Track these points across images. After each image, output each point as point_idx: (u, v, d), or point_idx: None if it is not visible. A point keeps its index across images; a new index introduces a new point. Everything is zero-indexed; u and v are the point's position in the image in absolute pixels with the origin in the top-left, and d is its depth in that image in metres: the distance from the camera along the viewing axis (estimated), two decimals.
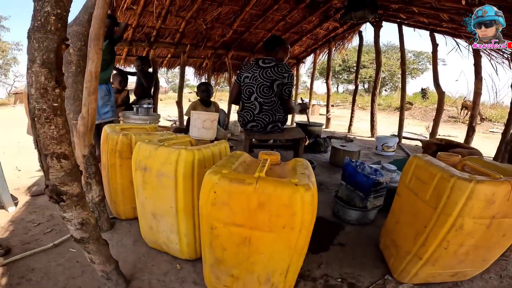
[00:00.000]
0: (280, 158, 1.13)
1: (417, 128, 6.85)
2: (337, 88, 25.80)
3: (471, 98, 4.77)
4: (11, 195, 1.72)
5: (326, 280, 1.17)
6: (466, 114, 7.88)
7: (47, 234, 1.43)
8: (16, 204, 1.73)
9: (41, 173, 2.37)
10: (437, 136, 4.77)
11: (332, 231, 1.58)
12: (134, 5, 3.30)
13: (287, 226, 0.77)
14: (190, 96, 13.73)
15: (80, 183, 0.86)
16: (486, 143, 5.00)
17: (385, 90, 22.14)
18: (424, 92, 12.15)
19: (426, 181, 1.03)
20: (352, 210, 1.64)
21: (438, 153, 1.25)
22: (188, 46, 4.33)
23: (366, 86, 22.02)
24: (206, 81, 5.41)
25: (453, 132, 6.51)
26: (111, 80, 2.90)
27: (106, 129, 1.53)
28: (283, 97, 2.19)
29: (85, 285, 1.08)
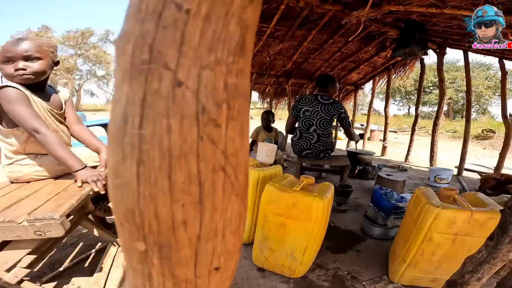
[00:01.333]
0: (314, 181, 1.69)
1: (494, 160, 6.10)
2: (409, 110, 23.76)
3: None
4: None
5: (335, 271, 1.61)
6: None
7: None
8: None
9: None
10: (506, 171, 4.41)
11: (354, 241, 2.01)
12: None
13: (306, 219, 1.35)
14: (252, 113, 15.08)
15: None
16: None
17: (472, 113, 19.38)
18: None
19: (417, 205, 1.45)
20: (375, 226, 2.04)
21: (441, 188, 1.60)
22: (255, 74, 5.21)
23: (445, 108, 19.74)
24: (268, 106, 6.25)
25: None
26: None
27: None
28: (345, 127, 2.67)
29: None
